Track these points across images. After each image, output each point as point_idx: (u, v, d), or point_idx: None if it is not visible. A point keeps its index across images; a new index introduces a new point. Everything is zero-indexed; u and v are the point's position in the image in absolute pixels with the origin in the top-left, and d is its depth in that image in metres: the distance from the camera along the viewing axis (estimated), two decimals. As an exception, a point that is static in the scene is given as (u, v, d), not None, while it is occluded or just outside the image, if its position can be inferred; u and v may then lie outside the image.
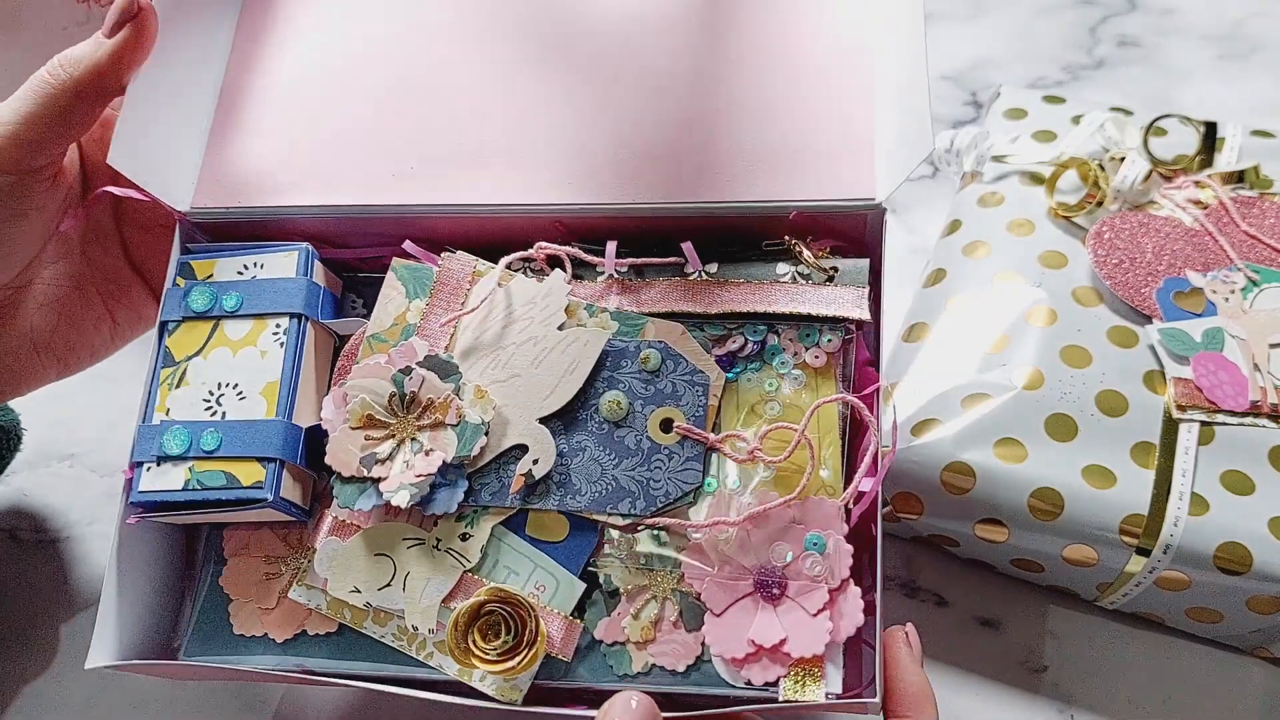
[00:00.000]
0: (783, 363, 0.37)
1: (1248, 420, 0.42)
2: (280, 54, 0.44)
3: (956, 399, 0.43)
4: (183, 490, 0.36)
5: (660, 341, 0.37)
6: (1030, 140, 0.55)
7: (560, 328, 0.38)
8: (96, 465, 0.55)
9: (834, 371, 0.37)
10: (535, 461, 0.36)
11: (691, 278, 0.38)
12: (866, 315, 0.36)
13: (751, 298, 0.37)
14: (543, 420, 0.37)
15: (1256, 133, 0.54)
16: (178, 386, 0.38)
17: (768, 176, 0.38)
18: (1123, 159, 0.51)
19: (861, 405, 0.35)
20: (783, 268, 0.37)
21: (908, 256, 0.61)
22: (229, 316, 0.39)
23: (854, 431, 0.37)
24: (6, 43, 0.64)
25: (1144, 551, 0.40)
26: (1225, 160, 0.52)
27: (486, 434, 0.36)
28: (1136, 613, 0.44)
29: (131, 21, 0.39)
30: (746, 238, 0.38)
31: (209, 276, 0.40)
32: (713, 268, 0.38)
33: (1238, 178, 0.50)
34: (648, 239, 0.39)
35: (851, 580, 0.34)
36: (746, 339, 0.37)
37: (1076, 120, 0.56)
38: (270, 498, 0.36)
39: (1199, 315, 0.45)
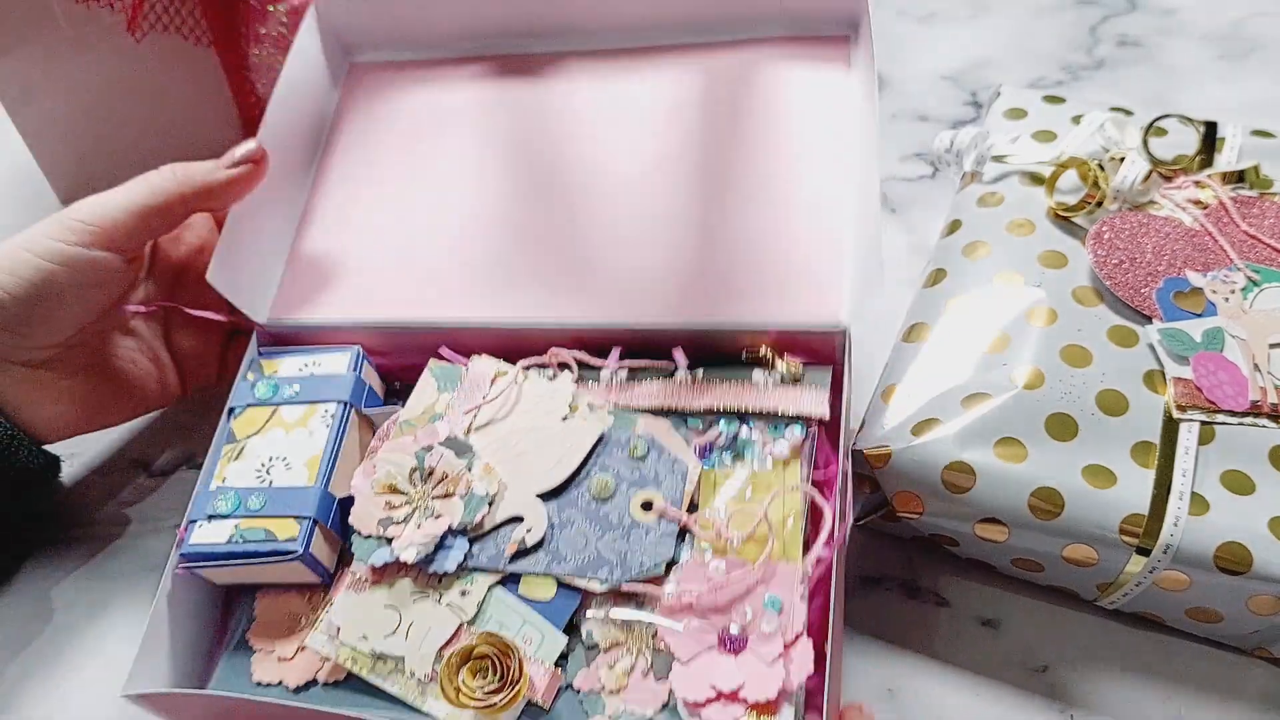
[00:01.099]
0: (753, 452, 0.42)
1: (1248, 420, 0.42)
2: (347, 192, 0.54)
3: (957, 398, 0.43)
4: (227, 544, 0.41)
5: (649, 434, 0.43)
6: (1030, 140, 0.55)
7: (564, 419, 0.44)
8: (98, 465, 0.55)
9: (800, 457, 0.42)
10: (529, 530, 0.41)
11: (678, 379, 0.44)
12: (826, 414, 0.42)
13: (729, 396, 0.44)
14: (540, 495, 0.42)
15: (1256, 133, 0.54)
16: (235, 460, 0.44)
17: (751, 302, 0.45)
18: (1123, 159, 0.51)
19: (816, 494, 0.41)
20: (757, 374, 0.44)
21: (908, 256, 0.61)
22: (287, 403, 0.46)
23: (816, 506, 0.42)
24: (6, 42, 0.64)
25: (1144, 551, 0.40)
26: (1225, 160, 0.52)
27: (490, 504, 0.42)
28: (1136, 613, 0.44)
29: (251, 163, 0.48)
30: (729, 350, 0.45)
31: (274, 372, 0.47)
32: (698, 372, 0.45)
33: (1238, 178, 0.50)
34: (647, 349, 0.46)
35: (805, 633, 0.37)
36: (722, 431, 0.43)
37: (1076, 120, 0.56)
38: (301, 550, 0.41)
39: (1199, 315, 0.45)
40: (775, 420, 0.43)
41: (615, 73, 0.53)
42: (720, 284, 0.46)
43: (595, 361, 0.46)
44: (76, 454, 0.56)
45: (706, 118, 0.51)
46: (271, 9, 0.62)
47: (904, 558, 0.48)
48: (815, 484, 0.42)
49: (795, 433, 0.42)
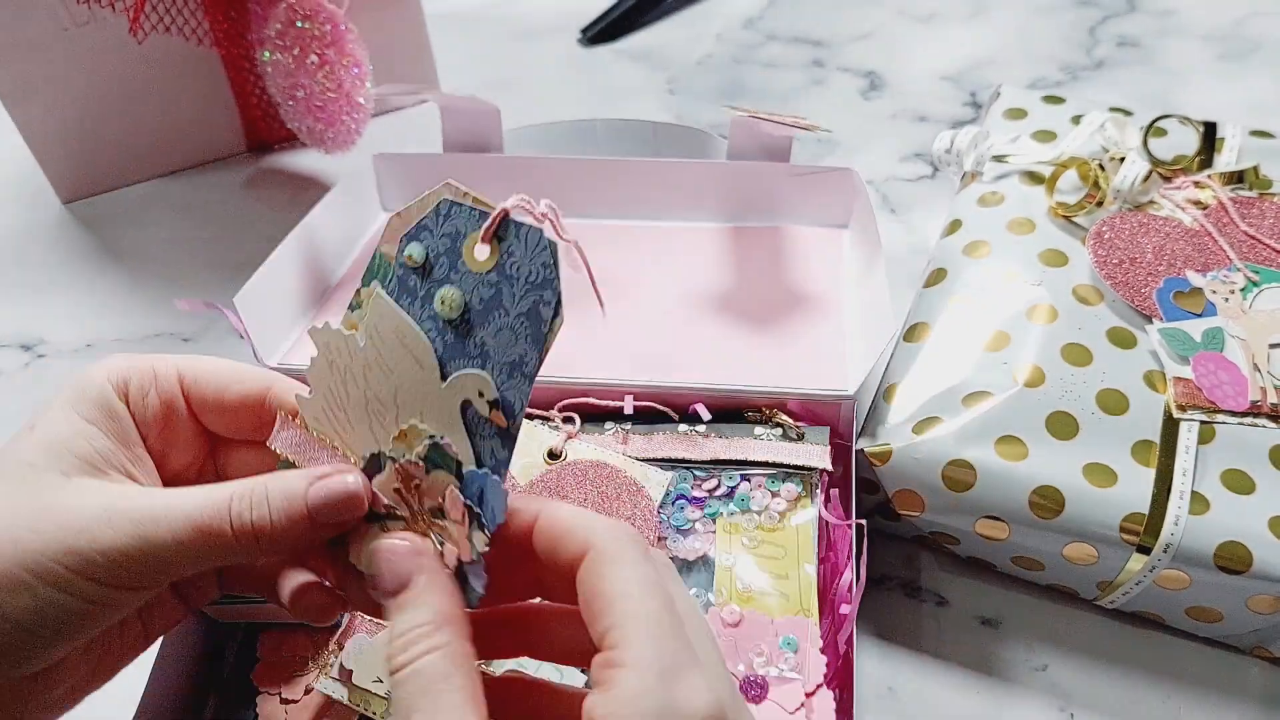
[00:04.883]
0: (754, 502, 0.44)
1: (1248, 420, 0.42)
2: None
3: (958, 397, 0.43)
4: None
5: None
6: (1030, 140, 0.55)
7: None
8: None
9: (810, 497, 0.44)
10: None
11: (682, 432, 0.46)
12: (829, 465, 0.44)
13: (733, 449, 0.45)
14: None
15: (1256, 133, 0.54)
16: None
17: (773, 372, 0.48)
18: (1123, 159, 0.51)
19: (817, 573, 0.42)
20: (759, 429, 0.46)
21: (908, 256, 0.61)
22: None
23: (827, 545, 0.43)
24: (7, 42, 0.64)
25: (1144, 550, 0.40)
26: (1225, 160, 0.52)
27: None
28: (1136, 612, 0.44)
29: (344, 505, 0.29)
30: (736, 412, 0.47)
31: None
32: (701, 427, 0.46)
33: (1237, 178, 0.50)
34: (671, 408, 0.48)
35: (825, 685, 0.38)
36: (722, 482, 0.44)
37: (1076, 120, 0.56)
38: None
39: (1199, 315, 0.45)
40: (775, 475, 0.44)
41: (661, 232, 0.61)
42: (742, 355, 0.50)
43: (608, 405, 0.47)
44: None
45: (733, 255, 0.58)
46: (283, 4, 0.62)
47: (904, 558, 0.48)
48: (824, 537, 0.43)
49: (791, 487, 0.44)
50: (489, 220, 0.27)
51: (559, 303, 0.26)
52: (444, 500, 0.27)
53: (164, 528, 0.28)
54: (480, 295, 0.27)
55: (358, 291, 0.30)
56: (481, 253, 0.27)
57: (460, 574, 0.27)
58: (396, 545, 0.27)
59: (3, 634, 0.28)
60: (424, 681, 0.24)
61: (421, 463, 0.28)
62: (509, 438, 0.27)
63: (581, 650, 0.27)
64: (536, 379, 0.26)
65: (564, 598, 0.28)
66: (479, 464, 0.27)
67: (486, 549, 0.26)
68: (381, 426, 0.29)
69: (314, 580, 0.31)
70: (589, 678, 0.26)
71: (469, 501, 0.27)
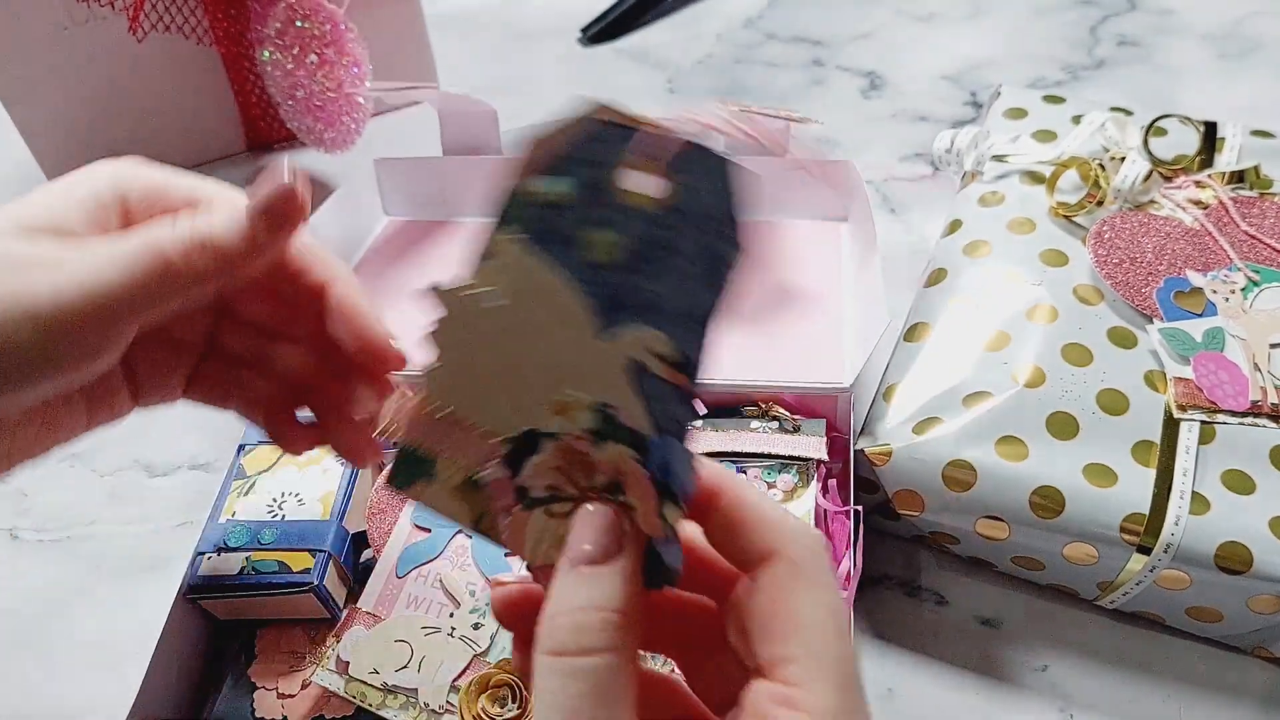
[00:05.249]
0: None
1: (1248, 420, 0.42)
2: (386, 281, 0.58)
3: (958, 397, 0.43)
4: (238, 576, 0.41)
5: None
6: (1030, 140, 0.55)
7: None
8: (97, 465, 0.55)
9: (806, 487, 0.44)
10: None
11: None
12: (824, 456, 0.45)
13: (729, 441, 0.46)
14: None
15: (1256, 133, 0.54)
16: (245, 495, 0.44)
17: (770, 366, 0.48)
18: (1123, 159, 0.51)
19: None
20: (755, 423, 0.47)
21: (908, 256, 0.61)
22: None
23: (824, 532, 0.44)
24: (7, 41, 0.64)
25: (1145, 550, 0.40)
26: (1225, 160, 0.52)
27: None
28: (1136, 612, 0.44)
29: (283, 209, 0.29)
30: (733, 408, 0.48)
31: None
32: (697, 421, 0.46)
33: (1238, 178, 0.50)
34: None
35: None
36: None
37: (1076, 120, 0.56)
38: (316, 582, 0.41)
39: (1199, 315, 0.45)
40: (771, 466, 0.45)
41: None
42: (743, 350, 0.50)
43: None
44: (77, 454, 0.56)
45: None
46: (282, 4, 0.62)
47: (904, 557, 0.48)
48: (821, 527, 0.43)
49: (788, 479, 0.44)
50: (659, 145, 0.23)
51: (744, 238, 0.23)
52: (623, 474, 0.23)
53: (116, 253, 0.27)
54: (643, 235, 0.23)
55: (489, 240, 0.25)
56: (645, 184, 0.24)
57: (650, 554, 0.23)
58: (606, 512, 0.23)
59: None
60: (600, 684, 0.22)
61: (589, 436, 0.24)
62: (688, 396, 0.23)
63: (717, 660, 0.25)
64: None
65: (704, 589, 0.26)
66: (659, 430, 0.23)
67: (679, 520, 0.23)
68: (532, 398, 0.24)
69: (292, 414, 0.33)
70: (747, 700, 0.23)
71: (654, 473, 0.23)
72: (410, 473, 0.25)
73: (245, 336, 0.34)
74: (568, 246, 0.24)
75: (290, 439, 0.34)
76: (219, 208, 0.30)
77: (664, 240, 0.23)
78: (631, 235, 0.23)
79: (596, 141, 0.24)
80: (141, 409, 0.34)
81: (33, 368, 0.27)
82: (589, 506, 0.23)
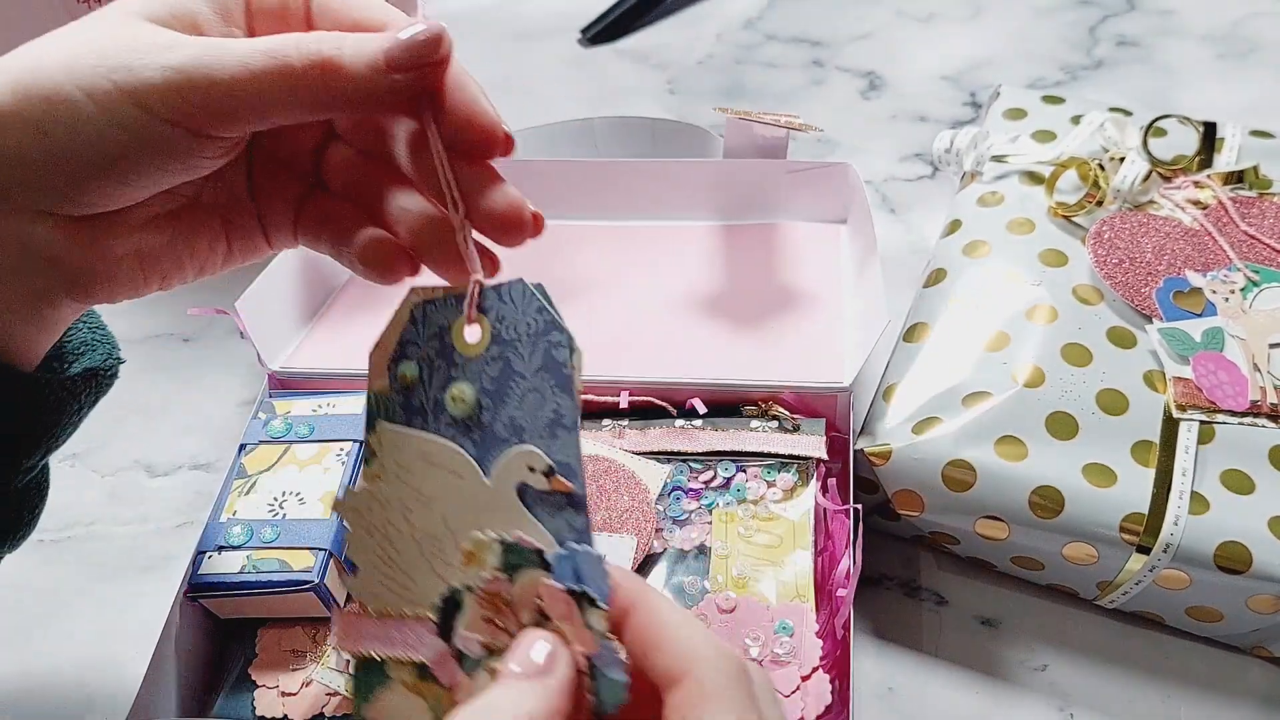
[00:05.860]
0: (750, 492, 0.44)
1: (1248, 420, 0.42)
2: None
3: (957, 397, 0.43)
4: (239, 574, 0.41)
5: None
6: (1030, 140, 0.55)
7: None
8: (98, 465, 0.55)
9: (806, 486, 0.44)
10: None
11: (678, 425, 0.47)
12: (824, 455, 0.45)
13: (729, 441, 0.46)
14: None
15: (1256, 133, 0.54)
16: (247, 494, 0.44)
17: (770, 366, 0.49)
18: (1122, 159, 0.51)
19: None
20: (755, 422, 0.46)
21: (908, 256, 0.61)
22: (300, 441, 0.46)
23: (825, 535, 0.43)
24: (8, 42, 0.64)
25: (1144, 550, 0.40)
26: (1225, 160, 0.52)
27: None
28: (1136, 612, 0.44)
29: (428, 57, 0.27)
30: (732, 407, 0.48)
31: (287, 412, 0.48)
32: (697, 421, 0.47)
33: (1237, 178, 0.51)
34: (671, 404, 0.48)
35: (820, 669, 0.38)
36: (718, 473, 0.45)
37: (1076, 120, 0.56)
38: (316, 580, 0.41)
39: (1199, 315, 0.45)
40: (770, 463, 0.45)
41: (658, 230, 0.61)
42: (744, 349, 0.50)
43: (606, 401, 0.47)
44: (77, 454, 0.56)
45: (730, 252, 0.59)
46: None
47: (903, 557, 0.48)
48: (821, 526, 0.43)
49: (787, 478, 0.44)
50: (467, 298, 0.26)
51: (571, 338, 0.24)
52: (542, 600, 0.24)
53: (228, 55, 0.26)
54: (489, 375, 0.26)
55: (365, 444, 0.27)
56: (472, 334, 0.26)
57: (592, 675, 0.24)
58: (537, 632, 0.24)
59: (44, 155, 0.27)
60: None
61: (501, 574, 0.25)
62: (579, 501, 0.24)
63: None
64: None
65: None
66: (560, 543, 0.24)
67: (607, 625, 0.23)
68: (444, 562, 0.26)
69: (386, 236, 0.31)
70: None
71: (568, 586, 0.24)
72: (369, 685, 0.27)
73: (350, 169, 0.33)
74: (435, 413, 0.26)
75: (394, 268, 0.32)
76: (363, 37, 0.28)
77: (504, 370, 0.25)
78: (478, 380, 0.26)
79: (420, 322, 0.27)
80: (272, 251, 0.35)
81: (135, 152, 0.27)
82: (526, 632, 0.24)
